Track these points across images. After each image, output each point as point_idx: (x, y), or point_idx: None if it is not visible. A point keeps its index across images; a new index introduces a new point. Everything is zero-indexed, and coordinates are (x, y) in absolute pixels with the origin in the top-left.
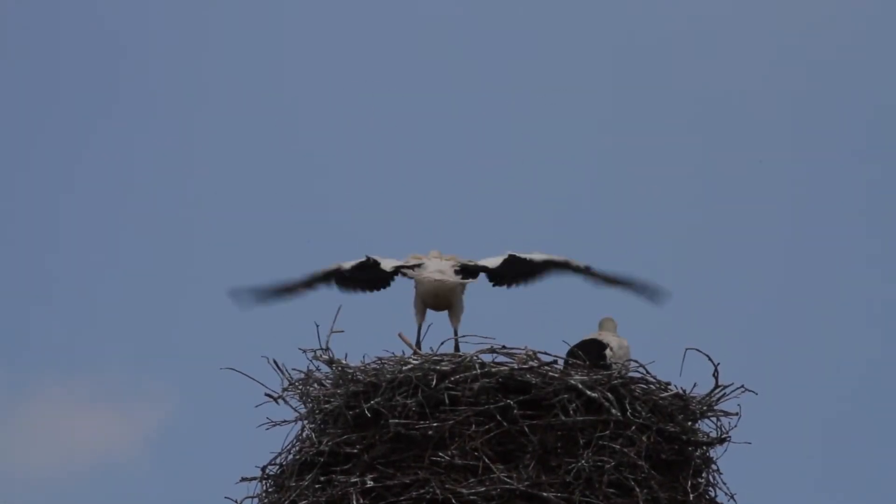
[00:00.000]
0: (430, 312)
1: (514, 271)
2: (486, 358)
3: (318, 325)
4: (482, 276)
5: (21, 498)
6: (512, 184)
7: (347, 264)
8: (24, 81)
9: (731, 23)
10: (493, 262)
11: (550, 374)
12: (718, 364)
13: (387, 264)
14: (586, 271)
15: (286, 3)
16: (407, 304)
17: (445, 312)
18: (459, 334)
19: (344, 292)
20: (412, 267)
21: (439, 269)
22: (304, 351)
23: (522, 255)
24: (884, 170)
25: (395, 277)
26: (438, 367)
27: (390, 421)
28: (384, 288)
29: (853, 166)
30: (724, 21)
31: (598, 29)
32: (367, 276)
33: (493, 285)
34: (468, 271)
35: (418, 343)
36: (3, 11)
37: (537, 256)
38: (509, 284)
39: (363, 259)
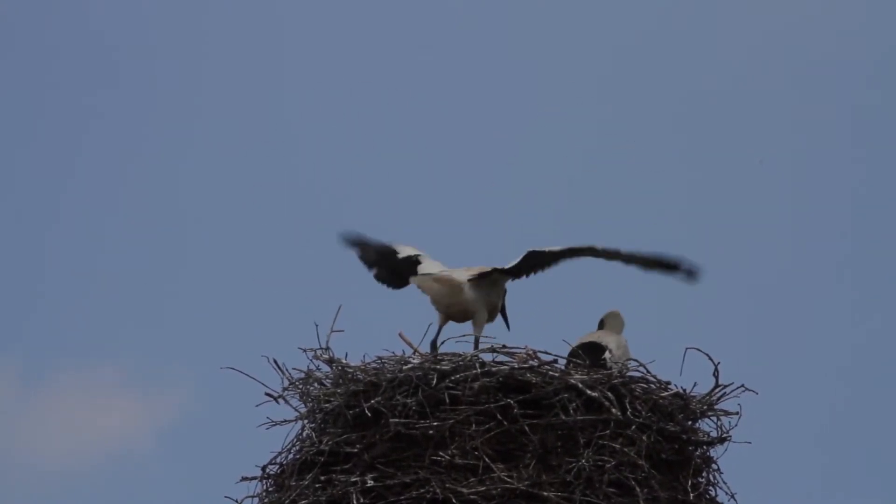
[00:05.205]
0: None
1: (534, 264)
2: (487, 357)
3: (317, 325)
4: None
5: (32, 488)
6: (510, 185)
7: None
8: (25, 79)
9: (730, 20)
10: (512, 262)
11: (551, 373)
12: (719, 363)
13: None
14: (616, 255)
15: (286, 3)
16: (407, 303)
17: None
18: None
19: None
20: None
21: (441, 270)
22: (305, 350)
23: (542, 249)
24: (884, 168)
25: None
26: (439, 367)
27: (390, 420)
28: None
29: (854, 165)
30: (724, 19)
31: (596, 27)
32: (388, 265)
33: (512, 280)
34: (482, 276)
35: (434, 345)
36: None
37: (557, 247)
38: (528, 275)
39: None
